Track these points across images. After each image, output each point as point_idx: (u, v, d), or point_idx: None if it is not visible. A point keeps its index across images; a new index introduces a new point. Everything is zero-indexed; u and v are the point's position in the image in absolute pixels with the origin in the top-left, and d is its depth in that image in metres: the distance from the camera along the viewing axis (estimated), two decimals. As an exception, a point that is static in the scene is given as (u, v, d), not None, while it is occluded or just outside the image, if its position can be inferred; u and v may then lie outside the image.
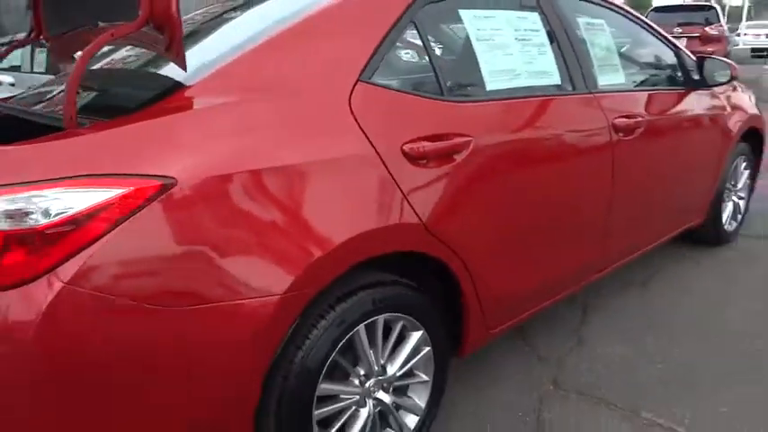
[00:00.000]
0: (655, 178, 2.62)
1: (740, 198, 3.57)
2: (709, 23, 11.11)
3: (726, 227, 3.46)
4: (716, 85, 2.94)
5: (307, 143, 1.46)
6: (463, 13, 1.96)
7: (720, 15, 11.58)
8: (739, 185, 3.51)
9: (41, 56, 7.32)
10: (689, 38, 11.03)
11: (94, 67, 1.99)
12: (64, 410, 1.20)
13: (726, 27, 11.45)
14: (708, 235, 3.40)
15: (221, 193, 1.31)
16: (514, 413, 2.05)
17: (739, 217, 3.58)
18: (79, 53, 2.10)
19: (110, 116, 1.36)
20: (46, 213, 1.15)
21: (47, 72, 7.12)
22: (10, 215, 1.16)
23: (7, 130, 1.46)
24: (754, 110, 3.42)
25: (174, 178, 1.24)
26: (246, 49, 1.52)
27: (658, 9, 12.52)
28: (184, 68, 1.40)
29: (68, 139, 1.26)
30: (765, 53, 17.72)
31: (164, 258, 1.24)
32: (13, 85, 6.01)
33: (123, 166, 1.22)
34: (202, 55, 1.55)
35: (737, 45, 22.07)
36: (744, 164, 3.49)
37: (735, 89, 3.32)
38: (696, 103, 2.88)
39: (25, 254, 1.16)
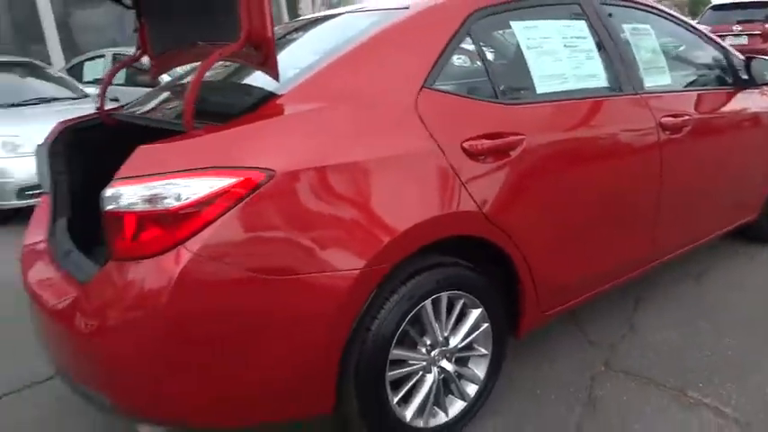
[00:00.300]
0: (704, 175, 2.74)
1: (795, 194, 3.59)
2: (770, 20, 10.82)
3: (780, 224, 3.50)
4: (765, 84, 3.02)
5: (380, 142, 1.70)
6: (514, 23, 2.17)
7: (784, 12, 11.22)
8: (794, 182, 3.54)
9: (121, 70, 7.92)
10: (750, 35, 10.76)
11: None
12: (192, 347, 1.48)
13: (790, 23, 11.08)
14: (763, 231, 3.45)
15: (310, 184, 1.56)
16: (567, 389, 2.23)
17: (795, 213, 3.61)
18: (180, 68, 2.44)
19: (218, 121, 1.64)
20: (178, 198, 1.44)
21: (126, 84, 7.73)
22: (148, 200, 1.45)
23: (126, 133, 1.77)
24: (807, 107, 3.45)
25: (274, 170, 1.50)
26: (327, 62, 1.78)
27: (716, 7, 12.20)
28: (277, 80, 1.67)
29: (192, 139, 1.54)
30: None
31: (266, 235, 1.51)
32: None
33: (235, 161, 1.50)
34: (290, 67, 1.81)
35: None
36: (799, 160, 3.52)
37: (787, 87, 3.37)
38: (745, 102, 2.97)
39: (160, 230, 1.45)
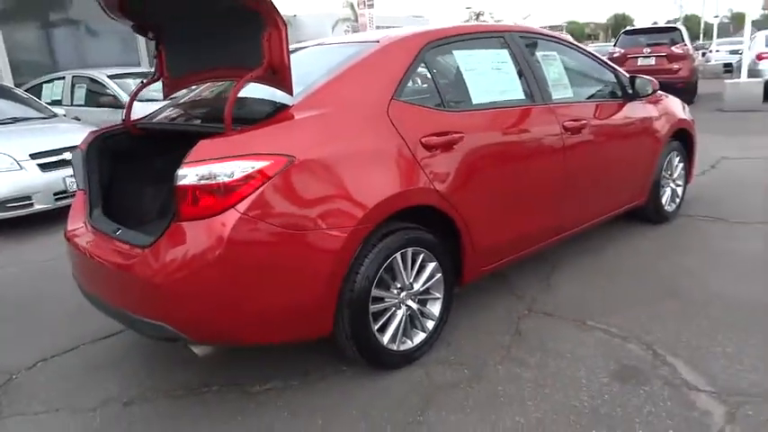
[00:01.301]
0: (598, 165, 3.56)
1: (677, 185, 4.51)
2: (674, 43, 12.19)
3: (666, 208, 4.39)
4: (645, 96, 3.90)
5: (365, 137, 2.40)
6: (455, 52, 2.93)
7: (685, 36, 12.66)
8: (675, 175, 4.45)
9: (80, 91, 8.27)
10: (657, 56, 12.13)
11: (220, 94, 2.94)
12: (239, 281, 2.11)
13: (690, 46, 12.53)
14: (651, 214, 4.33)
15: (318, 167, 2.23)
16: (500, 326, 2.96)
17: (678, 200, 4.52)
18: (194, 87, 3.05)
19: (249, 123, 2.27)
20: (228, 175, 2.07)
21: (85, 104, 8.09)
22: (207, 177, 2.07)
23: (145, 139, 2.39)
24: (683, 115, 4.39)
25: (294, 156, 2.16)
26: (324, 81, 2.47)
27: (628, 32, 13.64)
28: (291, 95, 2.33)
29: (236, 135, 2.18)
30: (731, 68, 18.86)
31: (288, 202, 2.16)
32: (65, 115, 6.94)
33: (267, 149, 2.15)
34: (297, 83, 2.44)
35: (710, 61, 23.40)
36: (678, 158, 4.44)
37: (666, 98, 4.29)
38: (631, 110, 3.84)
39: (215, 198, 2.08)
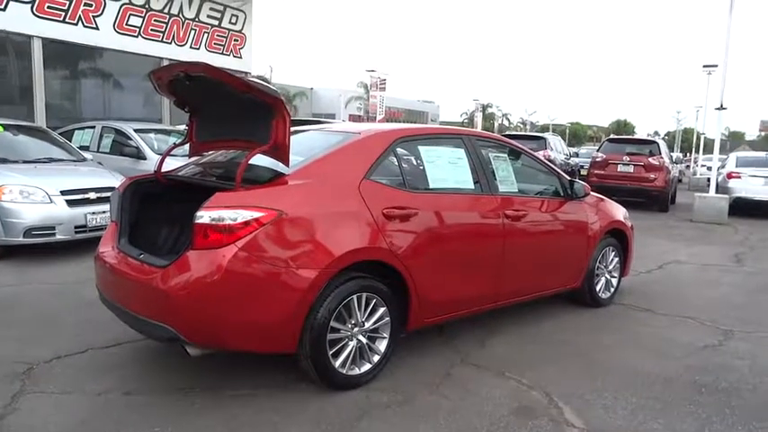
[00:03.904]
0: (534, 250, 4.33)
1: (612, 276, 5.25)
2: (652, 155, 13.32)
3: (600, 294, 5.12)
4: (581, 197, 4.72)
5: (339, 204, 3.19)
6: (420, 147, 3.77)
7: (662, 148, 13.83)
8: (610, 267, 5.21)
9: (107, 140, 9.20)
10: (635, 165, 13.21)
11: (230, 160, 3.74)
12: (232, 298, 2.82)
13: (666, 159, 13.62)
14: (586, 298, 5.04)
15: (300, 221, 2.99)
16: (434, 369, 3.61)
17: (612, 289, 5.25)
18: (212, 152, 3.86)
19: (253, 184, 3.05)
20: (233, 219, 2.83)
21: (110, 152, 8.98)
22: (217, 219, 2.83)
23: (169, 188, 3.17)
24: (617, 216, 5.21)
25: (284, 211, 2.93)
26: (313, 158, 3.29)
27: (611, 140, 14.86)
28: (288, 166, 3.13)
29: (242, 191, 2.95)
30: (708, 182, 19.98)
31: (274, 244, 2.91)
32: (92, 160, 7.79)
33: (264, 204, 2.91)
34: (295, 156, 3.24)
35: (695, 175, 24.75)
36: (613, 252, 5.21)
37: (604, 201, 5.13)
38: (568, 208, 4.65)
39: (221, 235, 2.83)
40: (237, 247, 2.82)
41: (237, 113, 3.39)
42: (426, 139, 3.88)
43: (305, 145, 3.56)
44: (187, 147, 3.91)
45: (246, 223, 2.85)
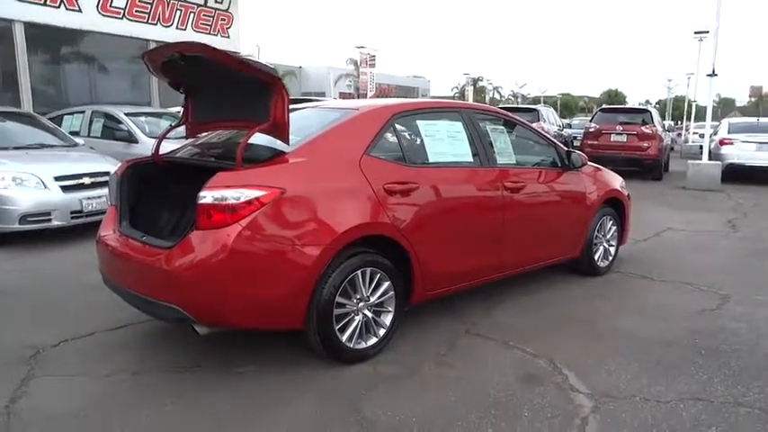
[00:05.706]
0: (533, 221, 4.35)
1: (610, 245, 5.29)
2: (644, 123, 13.33)
3: (599, 263, 5.16)
4: (578, 168, 4.74)
5: (340, 181, 3.18)
6: (418, 121, 3.76)
7: (655, 117, 13.84)
8: (608, 236, 5.25)
9: (97, 124, 9.10)
10: (629, 134, 13.23)
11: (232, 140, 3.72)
12: (237, 276, 2.83)
13: (659, 127, 13.63)
14: (585, 267, 5.09)
15: (302, 199, 2.99)
16: (438, 340, 3.66)
17: (610, 258, 5.30)
18: (208, 132, 3.84)
19: (254, 163, 3.04)
20: (236, 198, 2.82)
21: (101, 137, 8.89)
22: (220, 199, 2.83)
23: (167, 170, 3.15)
24: (615, 185, 5.23)
25: (285, 189, 2.92)
26: (313, 136, 3.27)
27: (604, 110, 14.85)
28: (288, 144, 3.12)
29: (244, 170, 2.94)
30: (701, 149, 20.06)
31: (277, 222, 2.91)
32: (83, 145, 7.71)
33: (266, 183, 2.91)
34: (291, 135, 3.23)
35: (688, 142, 24.80)
36: (610, 222, 5.24)
37: (601, 170, 5.15)
38: (566, 178, 4.67)
39: (225, 215, 2.83)
40: (242, 226, 2.82)
41: (234, 93, 3.36)
42: (424, 114, 3.87)
43: (302, 123, 3.54)
44: (180, 129, 3.89)
45: (249, 202, 2.85)
